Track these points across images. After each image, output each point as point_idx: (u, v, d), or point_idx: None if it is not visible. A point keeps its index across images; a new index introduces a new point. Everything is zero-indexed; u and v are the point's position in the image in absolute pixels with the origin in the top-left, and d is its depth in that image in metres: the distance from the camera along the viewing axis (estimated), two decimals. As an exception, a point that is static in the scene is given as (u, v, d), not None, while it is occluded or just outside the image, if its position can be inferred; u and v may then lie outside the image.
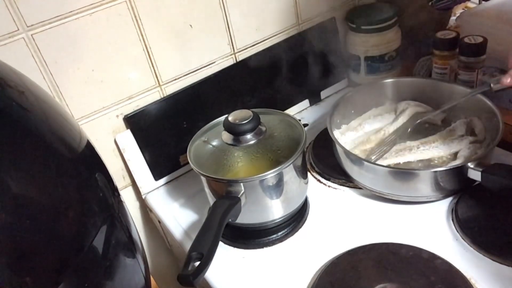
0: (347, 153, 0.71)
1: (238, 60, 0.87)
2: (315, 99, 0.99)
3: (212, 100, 0.84)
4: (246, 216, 0.65)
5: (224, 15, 0.82)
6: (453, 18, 1.05)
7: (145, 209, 0.87)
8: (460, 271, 0.57)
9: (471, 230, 0.62)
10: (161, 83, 0.80)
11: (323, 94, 1.00)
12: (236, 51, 0.87)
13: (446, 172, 0.65)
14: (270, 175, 0.63)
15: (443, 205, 0.68)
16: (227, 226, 0.60)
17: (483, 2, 1.05)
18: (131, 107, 0.78)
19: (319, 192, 0.76)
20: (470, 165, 0.63)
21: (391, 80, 0.85)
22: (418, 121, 0.78)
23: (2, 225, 0.32)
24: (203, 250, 0.55)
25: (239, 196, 0.62)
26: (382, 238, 0.63)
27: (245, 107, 0.70)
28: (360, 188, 0.73)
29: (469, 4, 1.08)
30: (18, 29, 0.64)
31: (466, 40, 0.77)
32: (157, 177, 0.83)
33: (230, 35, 0.85)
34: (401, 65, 0.97)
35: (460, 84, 0.79)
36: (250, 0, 0.84)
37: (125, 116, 0.78)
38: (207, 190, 0.69)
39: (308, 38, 0.92)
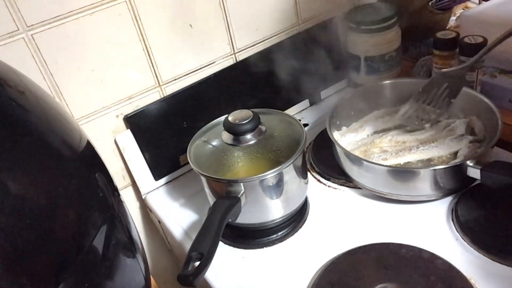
0: (347, 154, 0.71)
1: (238, 60, 0.87)
2: (315, 99, 0.99)
3: (212, 100, 0.84)
4: (246, 216, 0.65)
5: (224, 15, 0.82)
6: (453, 18, 1.05)
7: (145, 209, 0.87)
8: (460, 271, 0.57)
9: (471, 230, 0.62)
10: (161, 83, 0.80)
11: (323, 94, 1.00)
12: (236, 51, 0.87)
13: (446, 170, 0.65)
14: (270, 175, 0.63)
15: (443, 205, 0.68)
16: (227, 226, 0.60)
17: (483, 2, 1.05)
18: (131, 107, 0.78)
19: (319, 192, 0.76)
20: (469, 163, 0.63)
21: (390, 82, 0.85)
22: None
23: (1, 225, 0.32)
24: (203, 250, 0.55)
25: (239, 196, 0.62)
26: (382, 238, 0.63)
27: (245, 107, 0.70)
28: (360, 188, 0.73)
29: (469, 4, 1.08)
30: (18, 29, 0.64)
31: (466, 40, 0.77)
32: (157, 177, 0.83)
33: (230, 35, 0.85)
34: (401, 65, 0.97)
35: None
36: (250, 0, 0.84)
37: (125, 116, 0.78)
38: (207, 190, 0.69)
39: (308, 38, 0.92)
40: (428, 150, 0.73)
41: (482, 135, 0.73)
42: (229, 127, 0.67)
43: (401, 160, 0.72)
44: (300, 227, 0.70)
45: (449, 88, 0.74)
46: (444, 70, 0.75)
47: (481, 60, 0.77)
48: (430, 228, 0.65)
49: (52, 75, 0.69)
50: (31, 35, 0.65)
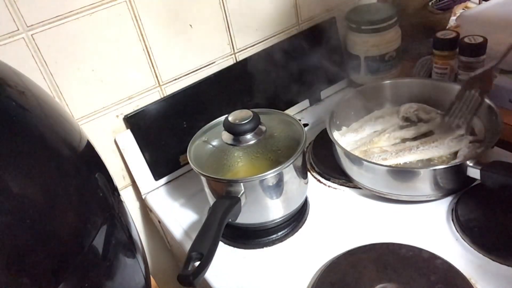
0: (347, 154, 0.71)
1: (238, 60, 0.87)
2: (315, 99, 0.99)
3: (212, 100, 0.84)
4: (246, 216, 0.65)
5: (224, 15, 0.82)
6: (453, 18, 1.05)
7: (145, 209, 0.87)
8: (460, 271, 0.57)
9: (471, 230, 0.62)
10: (161, 83, 0.80)
11: (323, 94, 1.00)
12: (236, 51, 0.87)
13: (445, 170, 0.65)
14: (270, 175, 0.63)
15: (443, 205, 0.68)
16: (227, 226, 0.60)
17: (483, 2, 1.05)
18: (131, 107, 0.78)
19: (319, 192, 0.76)
20: (469, 163, 0.63)
21: (390, 81, 0.85)
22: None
23: (1, 225, 0.32)
24: (203, 250, 0.55)
25: (239, 196, 0.62)
26: (382, 238, 0.63)
27: (245, 107, 0.70)
28: (360, 188, 0.73)
29: (469, 4, 1.08)
30: (18, 29, 0.64)
31: (466, 40, 0.77)
32: (157, 177, 0.83)
33: (230, 35, 0.85)
34: (401, 65, 0.97)
35: (460, 84, 0.79)
36: (250, 0, 0.84)
37: (125, 116, 0.78)
38: (207, 190, 0.69)
39: (308, 38, 0.92)
40: (428, 150, 0.73)
41: (482, 135, 0.73)
42: (229, 127, 0.67)
43: (401, 160, 0.72)
44: (300, 227, 0.70)
45: (480, 88, 0.73)
46: (472, 74, 0.74)
47: (481, 60, 0.77)
48: (430, 228, 0.65)
49: (52, 75, 0.69)
50: (31, 35, 0.65)
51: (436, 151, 0.73)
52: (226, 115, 0.68)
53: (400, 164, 0.72)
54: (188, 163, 0.68)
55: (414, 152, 0.73)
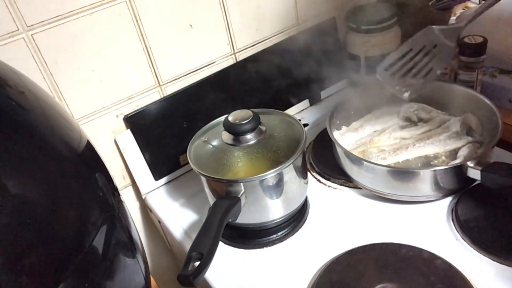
0: (347, 154, 0.71)
1: (238, 60, 0.87)
2: (315, 99, 0.99)
3: (212, 100, 0.84)
4: (246, 216, 0.65)
5: (224, 15, 0.82)
6: (453, 18, 1.05)
7: (145, 209, 0.87)
8: (460, 271, 0.57)
9: (471, 230, 0.62)
10: (161, 83, 0.80)
11: (323, 94, 1.00)
12: (236, 51, 0.87)
13: (446, 171, 0.65)
14: (270, 175, 0.63)
15: (443, 205, 0.68)
16: (227, 226, 0.60)
17: (483, 2, 1.05)
18: (131, 107, 0.78)
19: (319, 192, 0.76)
20: (469, 164, 0.63)
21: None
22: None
23: (1, 225, 0.32)
24: (203, 250, 0.55)
25: (239, 196, 0.62)
26: (382, 238, 0.63)
27: (245, 107, 0.70)
28: (360, 188, 0.73)
29: (469, 4, 1.08)
30: (18, 29, 0.64)
31: (466, 40, 0.77)
32: (157, 177, 0.83)
33: (230, 35, 0.85)
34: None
35: (460, 84, 0.80)
36: (250, 0, 0.84)
37: (125, 116, 0.78)
38: (207, 190, 0.69)
39: (308, 38, 0.92)
40: (424, 147, 0.73)
41: (480, 130, 0.73)
42: (229, 127, 0.67)
43: (399, 158, 0.72)
44: (300, 227, 0.70)
45: (437, 55, 0.67)
46: (435, 26, 0.68)
47: (481, 60, 0.77)
48: (430, 228, 0.65)
49: (52, 75, 0.69)
50: (31, 35, 0.65)
51: (432, 148, 0.73)
52: (226, 115, 0.68)
53: (399, 162, 0.72)
54: (188, 163, 0.68)
55: (411, 150, 0.73)
